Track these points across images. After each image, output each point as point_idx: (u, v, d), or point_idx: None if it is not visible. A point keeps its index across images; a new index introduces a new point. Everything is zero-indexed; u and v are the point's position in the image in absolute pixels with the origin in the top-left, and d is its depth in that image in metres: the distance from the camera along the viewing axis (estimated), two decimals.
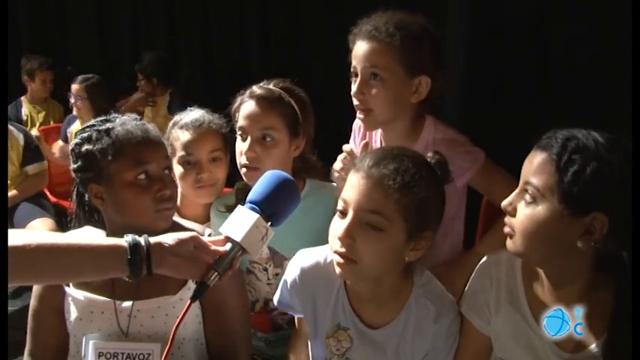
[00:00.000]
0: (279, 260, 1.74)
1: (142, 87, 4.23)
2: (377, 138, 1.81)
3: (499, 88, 2.37)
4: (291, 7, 3.75)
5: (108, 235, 1.44)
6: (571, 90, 2.21)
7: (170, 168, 1.46)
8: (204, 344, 1.47)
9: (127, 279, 1.15)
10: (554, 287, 1.24)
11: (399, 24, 1.60)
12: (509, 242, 1.22)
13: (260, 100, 1.68)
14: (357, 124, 1.88)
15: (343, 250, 1.22)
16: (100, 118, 1.46)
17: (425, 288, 1.33)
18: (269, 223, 1.18)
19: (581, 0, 2.10)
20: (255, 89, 1.71)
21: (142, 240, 1.14)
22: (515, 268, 1.30)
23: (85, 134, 1.42)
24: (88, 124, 1.46)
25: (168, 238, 1.17)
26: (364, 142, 1.63)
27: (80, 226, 1.51)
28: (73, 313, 1.42)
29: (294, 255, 1.50)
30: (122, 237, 1.38)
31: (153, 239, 1.16)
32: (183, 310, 1.12)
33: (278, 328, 1.81)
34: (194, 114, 1.86)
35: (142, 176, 1.38)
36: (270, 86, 1.71)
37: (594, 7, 2.04)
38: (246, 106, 1.69)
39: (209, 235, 1.45)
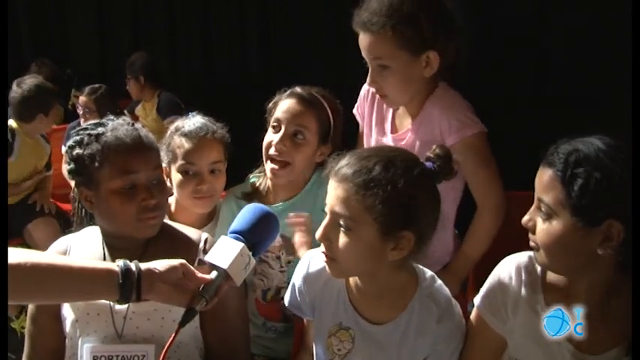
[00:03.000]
0: (291, 248, 1.76)
1: (130, 88, 4.23)
2: (389, 109, 1.84)
3: (498, 88, 2.37)
4: (291, 7, 3.76)
5: (103, 238, 1.44)
6: (570, 90, 2.22)
7: (159, 178, 1.43)
8: (202, 348, 1.46)
9: (116, 303, 1.19)
10: (575, 292, 1.24)
11: (389, 10, 1.60)
12: (535, 254, 1.24)
13: (302, 99, 1.74)
14: (365, 90, 1.91)
15: (324, 249, 1.28)
16: (94, 122, 1.44)
17: (430, 290, 1.34)
18: (251, 253, 1.24)
19: (580, 1, 2.10)
20: (299, 89, 1.77)
21: (132, 265, 1.17)
22: (535, 270, 1.29)
23: (78, 137, 1.41)
24: (83, 126, 1.45)
25: (159, 265, 1.20)
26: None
27: (83, 226, 1.51)
28: (69, 315, 1.42)
29: None
30: (113, 244, 1.42)
31: (144, 265, 1.19)
32: (172, 337, 1.16)
33: (287, 318, 1.82)
34: (197, 122, 1.83)
35: (129, 185, 1.36)
36: (313, 91, 1.77)
37: (594, 8, 2.05)
38: (286, 102, 1.75)
39: (205, 239, 1.45)
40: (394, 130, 1.81)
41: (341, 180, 1.23)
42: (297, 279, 1.46)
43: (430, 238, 1.27)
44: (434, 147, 1.30)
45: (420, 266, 1.38)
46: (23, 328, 2.86)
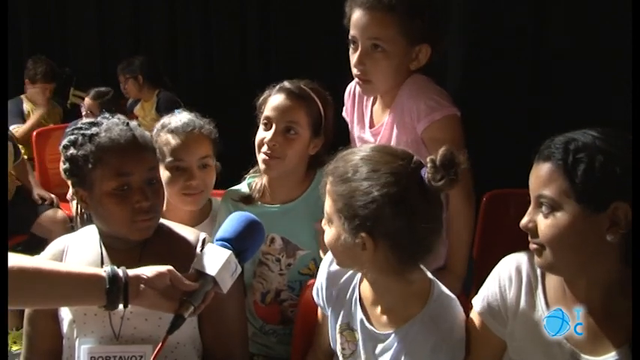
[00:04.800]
0: (291, 251, 1.76)
1: (128, 88, 4.20)
2: (368, 104, 1.86)
3: (498, 90, 2.37)
4: (291, 7, 3.76)
5: (101, 238, 1.44)
6: (570, 90, 2.22)
7: (155, 179, 1.41)
8: (199, 349, 1.46)
9: (103, 309, 1.19)
10: (575, 291, 1.22)
11: None
12: (538, 259, 1.20)
13: (290, 94, 1.71)
14: (350, 89, 1.91)
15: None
16: (88, 121, 1.42)
17: (437, 311, 1.30)
18: (237, 260, 1.26)
19: (580, 2, 2.10)
20: (287, 84, 1.75)
21: (120, 271, 1.19)
22: (535, 270, 1.28)
23: (73, 137, 1.39)
24: (77, 125, 1.42)
25: (148, 271, 1.21)
26: None
27: (83, 225, 1.51)
28: (66, 316, 1.41)
29: (306, 245, 1.72)
30: (110, 244, 1.42)
31: (132, 272, 1.20)
32: (160, 345, 1.17)
33: (287, 320, 1.81)
34: (183, 117, 1.82)
35: (122, 187, 1.35)
36: (301, 85, 1.75)
37: (593, 9, 2.05)
38: (275, 98, 1.72)
39: (203, 239, 1.44)
40: (372, 124, 1.82)
41: (326, 174, 1.30)
42: (321, 274, 1.48)
43: (408, 244, 1.23)
44: (441, 150, 1.22)
45: (441, 285, 1.35)
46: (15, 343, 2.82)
